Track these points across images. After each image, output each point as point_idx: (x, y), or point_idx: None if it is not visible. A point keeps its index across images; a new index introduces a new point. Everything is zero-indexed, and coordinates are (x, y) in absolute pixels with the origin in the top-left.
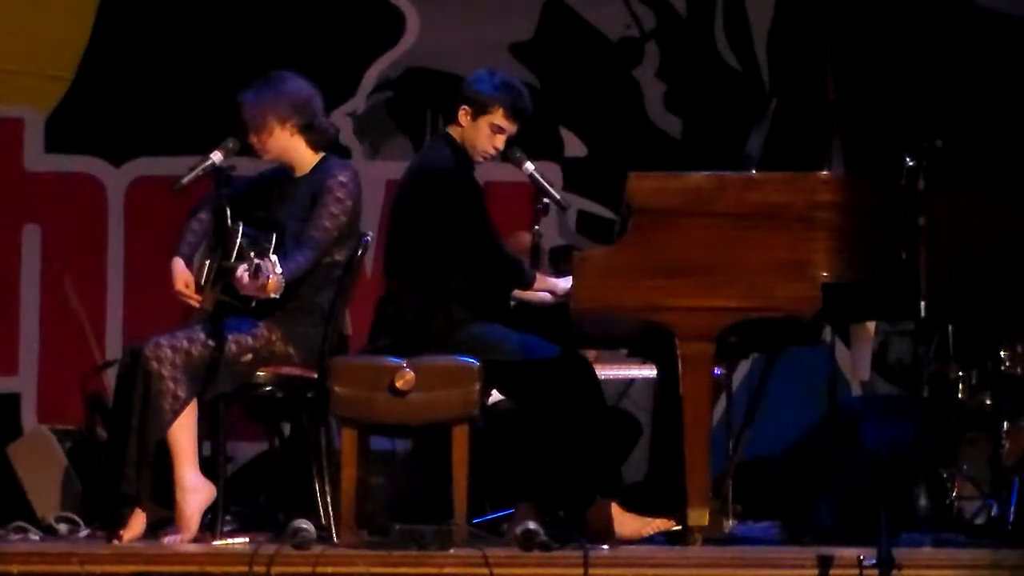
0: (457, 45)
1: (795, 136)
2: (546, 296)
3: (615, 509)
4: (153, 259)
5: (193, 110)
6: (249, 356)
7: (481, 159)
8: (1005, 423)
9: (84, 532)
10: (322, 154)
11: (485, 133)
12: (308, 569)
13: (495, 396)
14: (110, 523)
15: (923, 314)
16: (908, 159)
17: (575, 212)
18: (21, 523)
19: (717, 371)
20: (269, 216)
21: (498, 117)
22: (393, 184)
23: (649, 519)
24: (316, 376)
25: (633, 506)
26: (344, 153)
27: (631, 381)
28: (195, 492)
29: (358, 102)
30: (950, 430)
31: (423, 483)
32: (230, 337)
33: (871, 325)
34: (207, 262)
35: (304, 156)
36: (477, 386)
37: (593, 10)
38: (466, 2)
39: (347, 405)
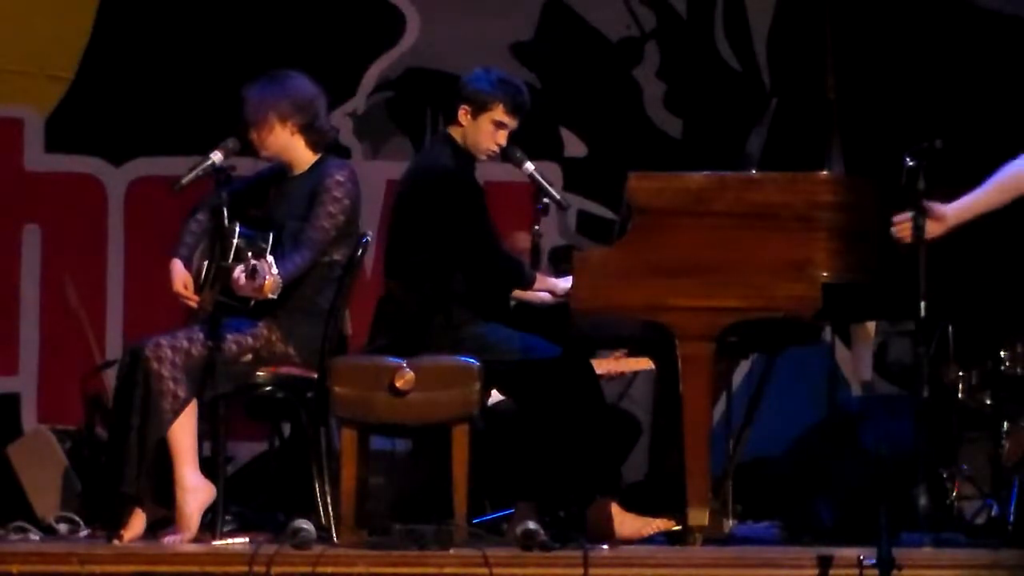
0: (457, 45)
1: (795, 136)
2: (546, 296)
3: (615, 509)
4: (153, 259)
5: (193, 110)
6: (249, 356)
7: (484, 157)
8: (1005, 423)
9: (84, 532)
10: (319, 154)
11: (487, 130)
12: (308, 569)
13: (495, 396)
14: (110, 523)
15: (923, 314)
16: (908, 159)
17: (575, 212)
18: (21, 523)
19: None
20: (266, 216)
21: (498, 113)
22: (393, 184)
23: (649, 519)
24: (316, 376)
25: (633, 506)
26: (344, 153)
27: (631, 381)
28: (195, 492)
29: (358, 102)
30: (950, 430)
31: (423, 483)
32: (230, 337)
33: (871, 325)
34: (206, 262)
35: (302, 156)
36: (477, 386)
37: (593, 10)
38: (466, 2)
39: (347, 405)
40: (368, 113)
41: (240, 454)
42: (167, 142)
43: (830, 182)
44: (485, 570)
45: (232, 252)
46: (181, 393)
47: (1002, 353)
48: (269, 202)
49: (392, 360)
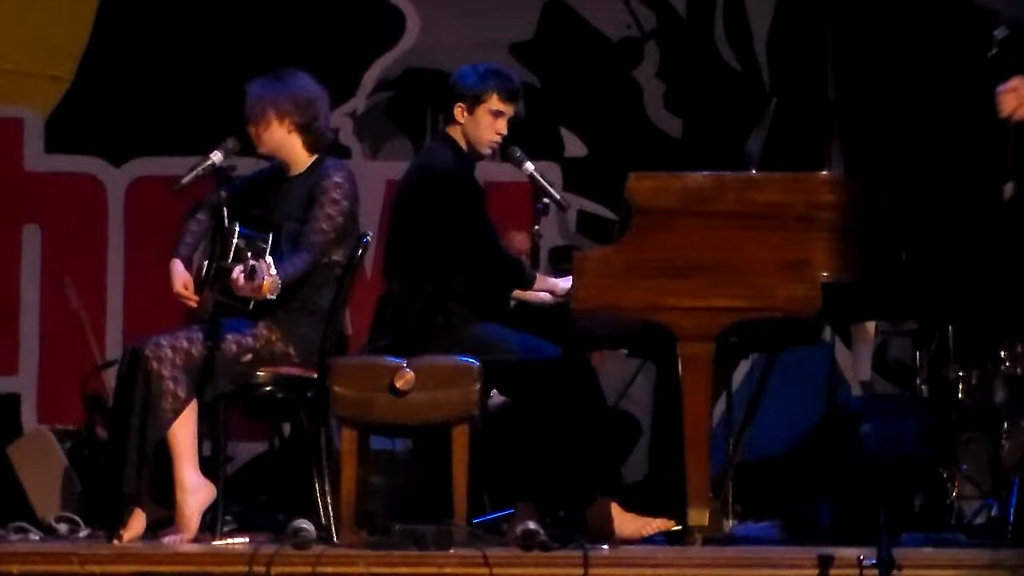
0: (457, 45)
1: (795, 136)
2: (546, 297)
3: (615, 509)
4: (153, 259)
5: (193, 110)
6: (249, 356)
7: (489, 150)
8: (1005, 423)
9: (84, 532)
10: (316, 155)
11: (486, 122)
12: (308, 569)
13: (495, 396)
14: (110, 523)
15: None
16: (997, 31)
17: (575, 212)
18: (21, 523)
19: None
20: (265, 216)
21: (493, 102)
22: (393, 184)
23: (649, 519)
24: (316, 376)
25: (633, 506)
26: (344, 153)
27: (631, 381)
28: (195, 492)
29: (358, 102)
30: (950, 430)
31: (423, 483)
32: (230, 337)
33: (871, 325)
34: (206, 262)
35: (299, 155)
36: (477, 386)
37: (593, 10)
38: (466, 2)
39: (347, 405)
40: (368, 113)
41: (240, 454)
42: (167, 142)
43: (830, 182)
44: (485, 570)
45: (232, 252)
46: (181, 393)
47: (1002, 353)
48: (268, 202)
49: (392, 360)
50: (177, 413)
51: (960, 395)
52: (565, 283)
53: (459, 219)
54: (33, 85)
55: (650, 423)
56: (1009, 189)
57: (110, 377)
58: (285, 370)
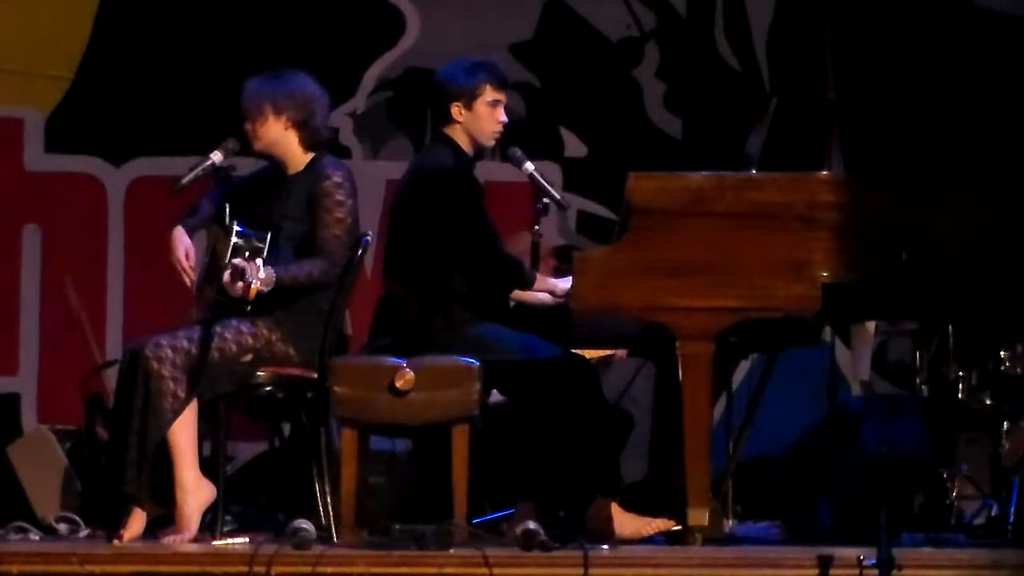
0: (457, 45)
1: (795, 136)
2: (545, 297)
3: (615, 509)
4: (153, 259)
5: (193, 110)
6: (249, 356)
7: (493, 141)
8: (1005, 423)
9: (84, 532)
10: (313, 154)
11: (485, 114)
12: (308, 569)
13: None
14: (110, 523)
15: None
16: None
17: (575, 212)
18: (21, 523)
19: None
20: (264, 214)
21: (489, 93)
22: (393, 184)
23: (649, 519)
24: (316, 376)
25: (633, 506)
26: (344, 153)
27: (631, 380)
28: (195, 492)
29: (358, 102)
30: (950, 430)
31: (423, 483)
32: (230, 337)
33: (871, 325)
34: (206, 259)
35: (295, 153)
36: (477, 386)
37: (593, 10)
38: (466, 2)
39: (347, 405)
40: (368, 113)
41: (240, 454)
42: (167, 142)
43: (830, 182)
44: (485, 570)
45: (230, 250)
46: (181, 393)
47: (1002, 353)
48: (268, 201)
49: (392, 360)
50: (177, 413)
51: (960, 395)
52: (565, 283)
53: (459, 218)
54: (33, 85)
55: (650, 423)
56: None
57: (110, 377)
58: (285, 370)
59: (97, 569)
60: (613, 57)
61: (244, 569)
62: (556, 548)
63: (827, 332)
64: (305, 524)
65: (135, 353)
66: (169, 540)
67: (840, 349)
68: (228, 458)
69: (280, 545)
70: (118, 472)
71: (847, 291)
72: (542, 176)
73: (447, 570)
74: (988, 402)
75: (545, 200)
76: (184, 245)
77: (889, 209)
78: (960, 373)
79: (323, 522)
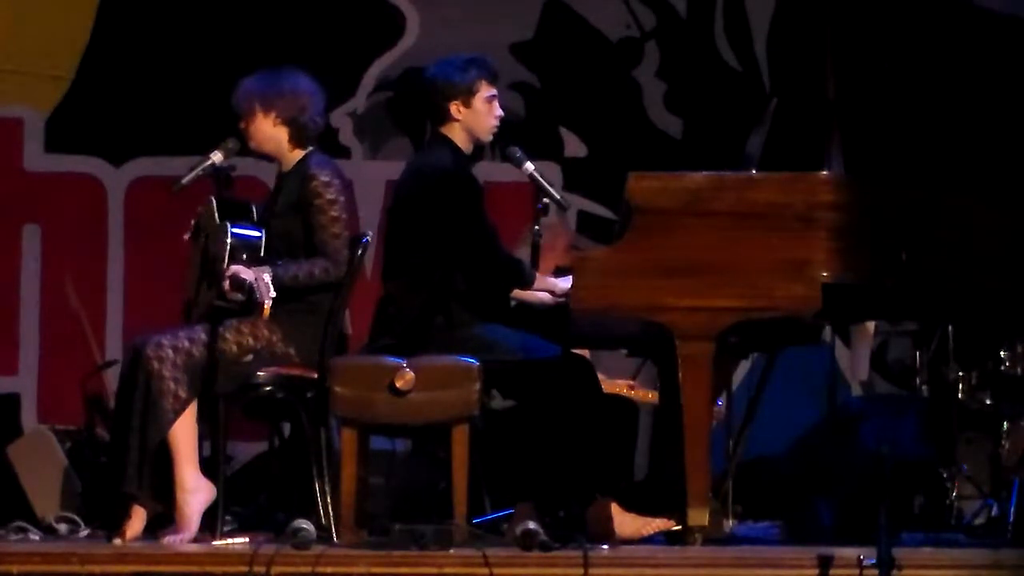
0: (457, 45)
1: (795, 136)
2: (545, 297)
3: (615, 509)
4: (153, 259)
5: (193, 110)
6: (250, 356)
7: (491, 136)
8: (1005, 423)
9: (84, 532)
10: (304, 151)
11: (484, 110)
12: (308, 569)
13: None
14: (110, 523)
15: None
16: None
17: (575, 212)
18: (21, 523)
19: (719, 402)
20: (264, 212)
21: (485, 88)
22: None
23: (649, 519)
24: (316, 376)
25: (633, 506)
26: (344, 153)
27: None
28: (195, 492)
29: (358, 102)
30: (950, 430)
31: (423, 483)
32: (231, 338)
33: (871, 325)
34: (199, 258)
35: (286, 150)
36: (477, 386)
37: (593, 10)
38: (466, 2)
39: (347, 405)
40: (368, 113)
41: (240, 454)
42: (167, 142)
43: (830, 182)
44: (485, 570)
45: (227, 253)
46: (182, 393)
47: (1002, 353)
48: (267, 199)
49: (392, 360)
50: (178, 413)
51: (960, 395)
52: (565, 283)
53: (459, 218)
54: (33, 85)
55: (650, 423)
56: None
57: (110, 377)
58: (285, 370)
59: (97, 569)
60: (613, 57)
61: (244, 569)
62: (556, 548)
63: (827, 332)
64: (305, 524)
65: (136, 352)
66: (169, 540)
67: (840, 349)
68: (228, 458)
69: (280, 545)
70: (119, 472)
71: (847, 291)
72: (542, 176)
73: (447, 570)
74: (988, 402)
75: (545, 200)
76: None
77: (889, 209)
78: (960, 373)
79: (323, 522)
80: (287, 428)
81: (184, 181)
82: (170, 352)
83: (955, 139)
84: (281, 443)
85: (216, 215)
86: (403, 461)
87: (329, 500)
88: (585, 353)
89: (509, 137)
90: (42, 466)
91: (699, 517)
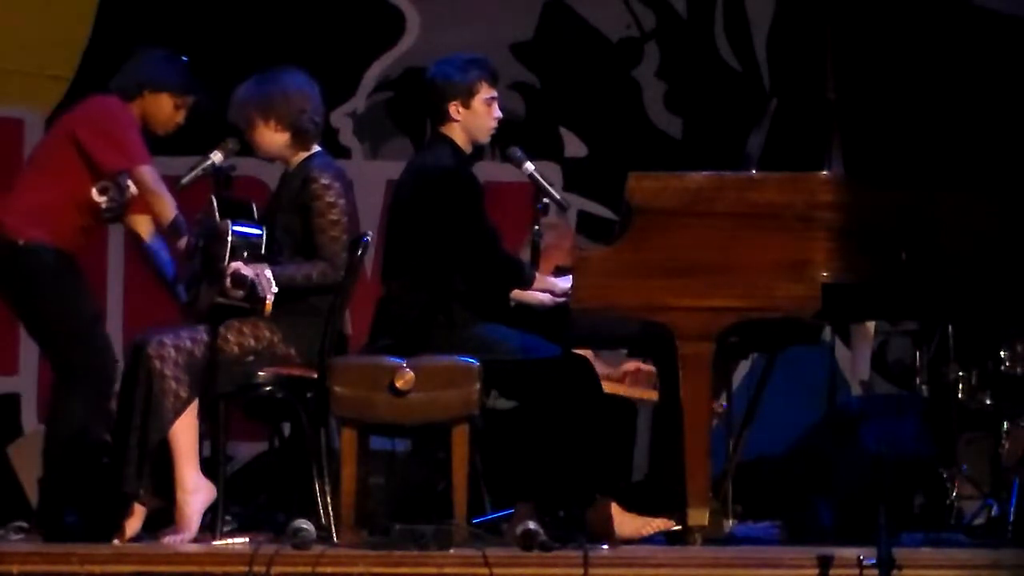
0: (457, 45)
1: (795, 136)
2: (545, 298)
3: (615, 509)
4: None
5: (193, 110)
6: (251, 357)
7: (489, 138)
8: (1005, 423)
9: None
10: (307, 152)
11: (483, 111)
12: (308, 569)
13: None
14: (110, 523)
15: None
16: None
17: (575, 212)
18: (21, 523)
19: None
20: (266, 210)
21: (485, 90)
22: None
23: (649, 519)
24: (316, 376)
25: (633, 506)
26: (344, 153)
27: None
28: (196, 492)
29: (358, 102)
30: (950, 430)
31: (423, 483)
32: (232, 338)
33: (871, 325)
34: (198, 257)
35: (289, 153)
36: (477, 386)
37: (593, 10)
38: (466, 2)
39: (347, 405)
40: (368, 113)
41: (240, 454)
42: (167, 142)
43: (830, 182)
44: (485, 570)
45: (228, 251)
46: (183, 393)
47: (1002, 353)
48: (270, 199)
49: (392, 360)
50: (178, 413)
51: (960, 395)
52: (564, 283)
53: (459, 217)
54: (33, 85)
55: (650, 423)
56: None
57: None
58: (285, 370)
59: (97, 569)
60: (613, 57)
61: (244, 569)
62: (556, 548)
63: (827, 332)
64: (305, 524)
65: (139, 350)
66: (169, 540)
67: (840, 349)
68: (228, 458)
69: (280, 545)
70: (119, 471)
71: (847, 291)
72: (542, 176)
73: (447, 570)
74: (988, 402)
75: (545, 200)
76: None
77: (889, 209)
78: (960, 373)
79: (323, 522)
80: (287, 428)
81: (184, 181)
82: (172, 351)
83: (955, 139)
84: (281, 443)
85: (217, 214)
86: (403, 461)
87: (329, 500)
88: (587, 353)
89: (509, 137)
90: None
91: (699, 517)
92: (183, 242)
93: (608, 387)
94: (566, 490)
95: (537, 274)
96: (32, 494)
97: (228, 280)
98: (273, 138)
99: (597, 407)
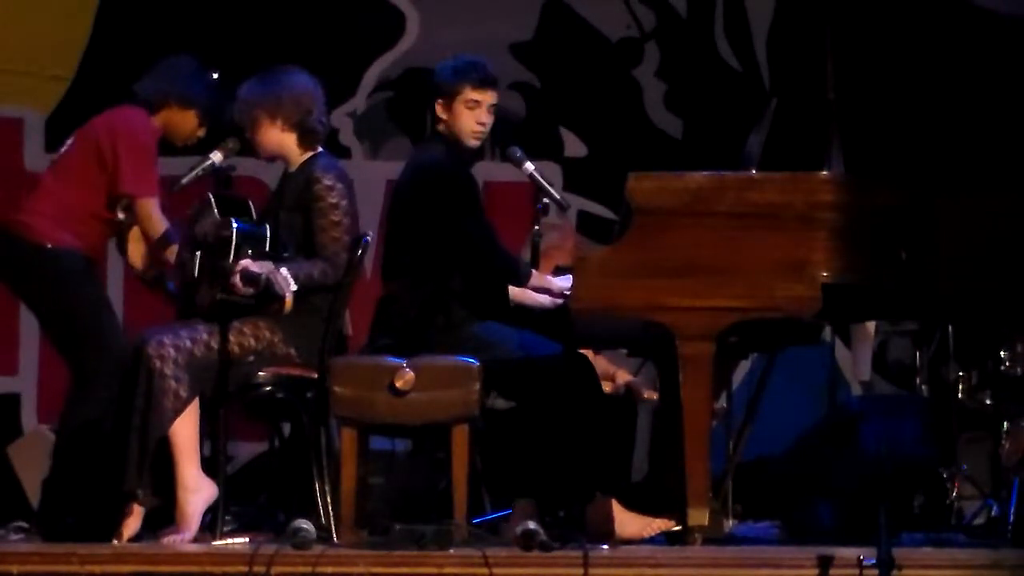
0: (457, 45)
1: (795, 136)
2: (544, 299)
3: (616, 509)
4: None
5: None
6: (251, 357)
7: (475, 141)
8: (1005, 423)
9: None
10: (310, 152)
11: (463, 113)
12: (308, 569)
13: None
14: (110, 523)
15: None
16: None
17: (575, 212)
18: (21, 523)
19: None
20: (265, 209)
21: (468, 93)
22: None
23: (649, 519)
24: (316, 376)
25: (633, 506)
26: (344, 153)
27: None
28: (197, 492)
29: (358, 102)
30: (950, 430)
31: (423, 483)
32: (233, 338)
33: (871, 325)
34: (198, 253)
35: (294, 153)
36: (477, 386)
37: (593, 10)
38: (466, 2)
39: (347, 405)
40: (368, 113)
41: (240, 454)
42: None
43: (830, 182)
44: (485, 570)
45: (232, 249)
46: (183, 392)
47: (1002, 353)
48: (272, 197)
49: (392, 360)
50: (178, 412)
51: (960, 395)
52: (562, 282)
53: (455, 213)
54: (33, 85)
55: (650, 423)
56: None
57: None
58: (286, 370)
59: (97, 569)
60: (613, 57)
61: (244, 569)
62: (556, 548)
63: (827, 332)
64: (305, 524)
65: (138, 349)
66: (169, 540)
67: (840, 349)
68: (228, 458)
69: (280, 545)
70: (119, 471)
71: (847, 291)
72: (542, 176)
73: (447, 570)
74: (988, 402)
75: (545, 200)
76: None
77: (889, 209)
78: (960, 373)
79: (323, 522)
80: (287, 428)
81: (184, 181)
82: (172, 351)
83: (955, 139)
84: (281, 443)
85: (216, 212)
86: (403, 461)
87: (329, 500)
88: (589, 353)
89: (509, 137)
90: (42, 466)
91: (699, 517)
92: (172, 251)
93: (608, 387)
94: (566, 489)
95: (534, 271)
96: (32, 494)
97: (238, 277)
98: (280, 138)
99: (597, 406)
